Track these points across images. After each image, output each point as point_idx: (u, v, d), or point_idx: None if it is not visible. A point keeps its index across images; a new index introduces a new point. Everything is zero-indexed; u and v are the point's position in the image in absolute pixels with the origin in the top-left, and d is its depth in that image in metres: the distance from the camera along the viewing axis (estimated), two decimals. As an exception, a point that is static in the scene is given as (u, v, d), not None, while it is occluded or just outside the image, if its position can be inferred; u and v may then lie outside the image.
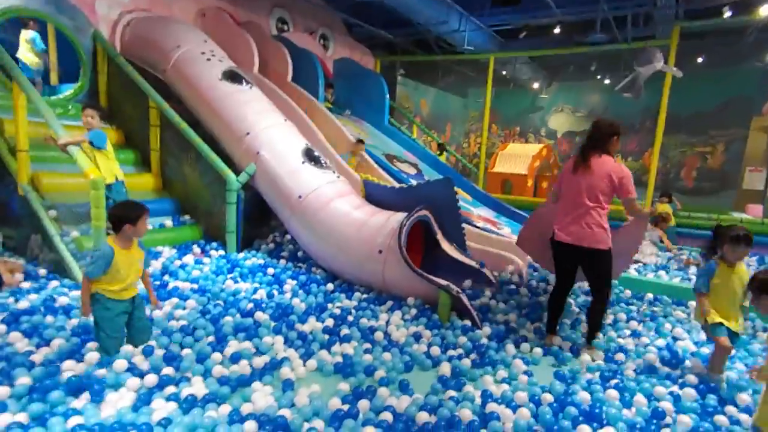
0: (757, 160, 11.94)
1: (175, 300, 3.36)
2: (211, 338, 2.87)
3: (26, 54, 6.07)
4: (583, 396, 2.46)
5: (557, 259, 3.23)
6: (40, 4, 5.29)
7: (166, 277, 3.83)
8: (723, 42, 9.73)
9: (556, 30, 8.22)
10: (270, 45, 7.04)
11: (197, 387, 2.32)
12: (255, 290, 3.83)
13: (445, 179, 4.18)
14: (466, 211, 5.82)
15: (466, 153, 16.17)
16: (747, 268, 2.74)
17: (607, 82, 13.40)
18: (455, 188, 4.21)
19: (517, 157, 10.81)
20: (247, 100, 5.10)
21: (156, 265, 3.97)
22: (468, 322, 3.40)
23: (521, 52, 10.37)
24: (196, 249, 4.53)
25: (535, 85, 14.36)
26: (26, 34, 6.05)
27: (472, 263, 4.10)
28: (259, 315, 3.30)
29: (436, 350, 3.03)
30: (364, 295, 3.95)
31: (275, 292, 3.83)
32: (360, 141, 6.13)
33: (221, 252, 4.58)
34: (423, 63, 11.64)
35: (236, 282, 3.98)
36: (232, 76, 5.28)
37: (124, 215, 2.50)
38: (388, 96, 8.31)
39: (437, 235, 4.10)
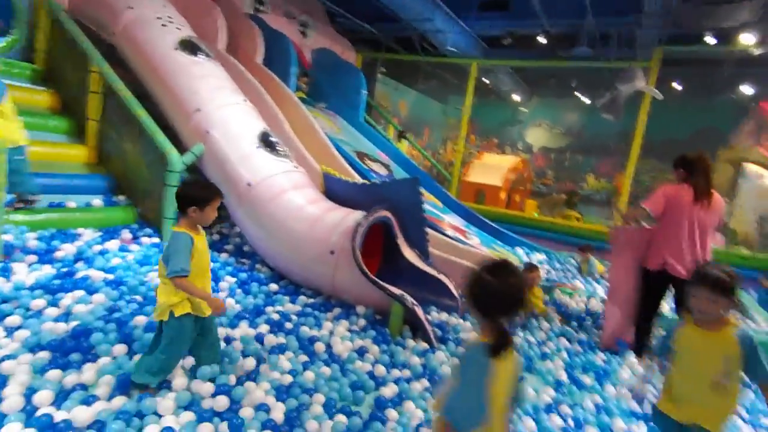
0: (722, 190, 12.21)
1: (79, 293, 2.82)
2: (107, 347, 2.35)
3: None
4: None
5: (658, 286, 3.31)
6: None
7: (79, 264, 3.26)
8: (701, 71, 9.86)
9: (541, 39, 8.04)
10: (242, 23, 6.55)
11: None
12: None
13: (411, 179, 3.83)
14: (435, 218, 5.49)
15: (441, 160, 15.99)
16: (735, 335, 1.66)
17: (586, 100, 13.50)
18: (422, 190, 3.84)
19: (492, 168, 10.63)
20: (203, 75, 4.60)
21: (70, 249, 3.40)
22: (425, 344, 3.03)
23: (504, 61, 10.20)
24: (126, 234, 3.98)
25: (516, 98, 14.32)
26: None
27: (435, 273, 3.74)
28: None
29: (381, 369, 2.65)
30: (310, 300, 3.53)
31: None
32: None
33: (155, 240, 4.04)
34: (405, 63, 11.35)
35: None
36: (189, 47, 4.77)
37: (193, 195, 2.05)
38: (366, 93, 7.93)
39: (398, 239, 3.72)
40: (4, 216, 3.16)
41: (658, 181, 13.52)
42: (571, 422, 2.47)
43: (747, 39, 7.09)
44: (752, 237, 9.46)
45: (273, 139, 4.37)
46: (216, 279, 3.57)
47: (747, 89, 10.52)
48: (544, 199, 11.87)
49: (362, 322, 3.22)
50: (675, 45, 7.62)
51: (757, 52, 7.35)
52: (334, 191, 4.20)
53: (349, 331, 3.09)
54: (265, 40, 6.55)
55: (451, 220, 5.78)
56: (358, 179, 4.79)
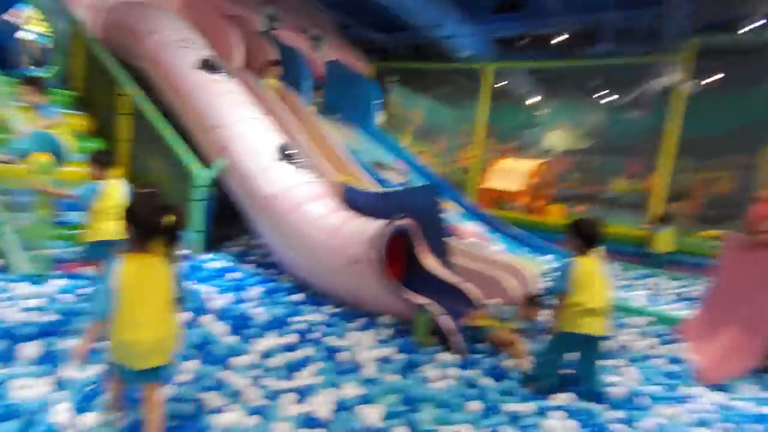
0: (769, 189, 11.55)
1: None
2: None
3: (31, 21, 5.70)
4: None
5: None
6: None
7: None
8: (741, 62, 9.32)
9: (562, 38, 7.89)
10: (257, 40, 6.72)
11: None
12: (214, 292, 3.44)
13: (429, 186, 3.84)
14: (454, 225, 5.45)
15: (457, 166, 15.79)
16: None
17: (608, 99, 12.98)
18: (440, 198, 3.83)
19: (511, 173, 10.50)
20: (222, 92, 4.73)
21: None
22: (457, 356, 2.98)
23: (522, 63, 10.04)
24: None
25: (533, 100, 14.09)
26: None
27: (455, 281, 3.69)
28: (217, 327, 2.91)
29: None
30: (335, 310, 3.54)
31: (234, 298, 3.43)
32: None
33: (185, 252, 4.14)
34: (417, 71, 11.36)
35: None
36: (208, 66, 4.92)
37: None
38: (379, 102, 8.01)
39: (419, 247, 3.71)
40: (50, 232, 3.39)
41: (694, 180, 12.86)
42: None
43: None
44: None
45: (292, 151, 4.44)
46: (242, 288, 3.64)
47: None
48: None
49: (388, 331, 3.21)
50: (709, 34, 7.10)
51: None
52: (354, 201, 4.23)
53: (375, 341, 3.08)
54: (280, 57, 6.71)
55: (471, 227, 5.73)
56: (376, 188, 4.81)
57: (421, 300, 3.16)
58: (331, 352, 2.88)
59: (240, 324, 3.05)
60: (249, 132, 4.40)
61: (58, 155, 3.72)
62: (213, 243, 4.46)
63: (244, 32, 6.32)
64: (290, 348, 2.86)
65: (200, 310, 3.11)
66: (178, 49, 5.06)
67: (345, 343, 3.02)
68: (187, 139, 4.53)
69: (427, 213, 3.69)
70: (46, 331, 2.58)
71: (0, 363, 2.26)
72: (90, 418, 1.92)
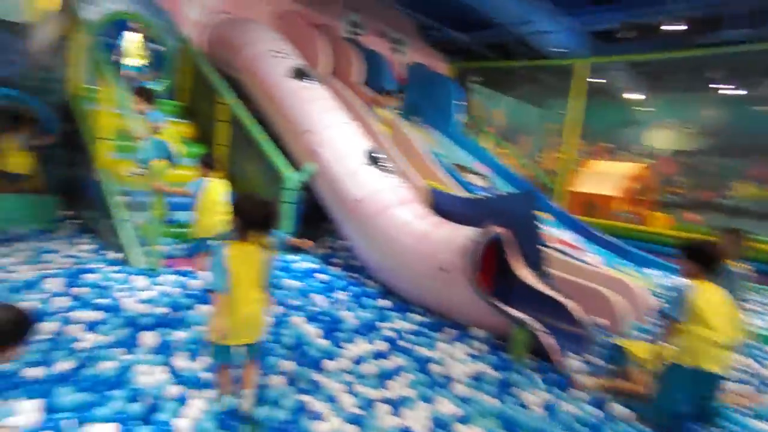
0: None
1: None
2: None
3: (131, 53, 6.39)
4: None
5: None
6: (140, 9, 5.64)
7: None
8: None
9: (669, 27, 7.04)
10: (342, 47, 6.87)
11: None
12: (304, 293, 3.52)
13: (526, 193, 3.60)
14: (545, 233, 5.07)
15: (542, 169, 14.92)
16: None
17: (729, 92, 11.16)
18: (537, 206, 3.55)
19: (607, 176, 9.63)
20: (312, 98, 4.87)
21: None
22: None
23: (623, 57, 9.10)
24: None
25: (632, 96, 12.76)
26: (132, 35, 6.37)
27: (555, 295, 3.38)
28: (309, 329, 2.96)
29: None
30: (423, 319, 3.43)
31: (326, 302, 3.46)
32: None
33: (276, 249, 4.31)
34: (501, 70, 10.87)
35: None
36: (298, 73, 5.10)
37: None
38: (460, 104, 7.79)
39: (513, 257, 3.46)
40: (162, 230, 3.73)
41: None
42: None
43: None
44: None
45: (378, 155, 4.42)
46: (331, 290, 3.69)
47: None
48: None
49: (480, 346, 3.02)
50: None
51: None
52: (442, 206, 4.09)
53: (466, 354, 2.92)
54: (363, 61, 6.80)
55: (562, 235, 5.29)
56: (464, 193, 4.63)
57: (518, 314, 2.93)
58: (423, 363, 2.77)
59: (331, 327, 3.06)
60: (338, 137, 4.47)
61: (170, 159, 4.08)
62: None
63: (329, 39, 6.49)
64: (381, 355, 2.81)
65: (290, 305, 3.18)
66: (272, 59, 5.31)
67: (436, 354, 2.89)
68: (279, 145, 4.73)
69: (522, 222, 3.44)
70: (160, 322, 2.78)
71: (125, 348, 2.47)
72: (202, 402, 2.07)
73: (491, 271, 3.63)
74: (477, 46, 9.62)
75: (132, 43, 6.35)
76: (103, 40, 5.28)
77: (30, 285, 3.06)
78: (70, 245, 4.04)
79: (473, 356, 2.93)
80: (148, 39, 6.22)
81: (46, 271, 3.32)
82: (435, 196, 4.23)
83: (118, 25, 5.95)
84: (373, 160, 4.28)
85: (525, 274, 3.46)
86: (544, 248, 3.59)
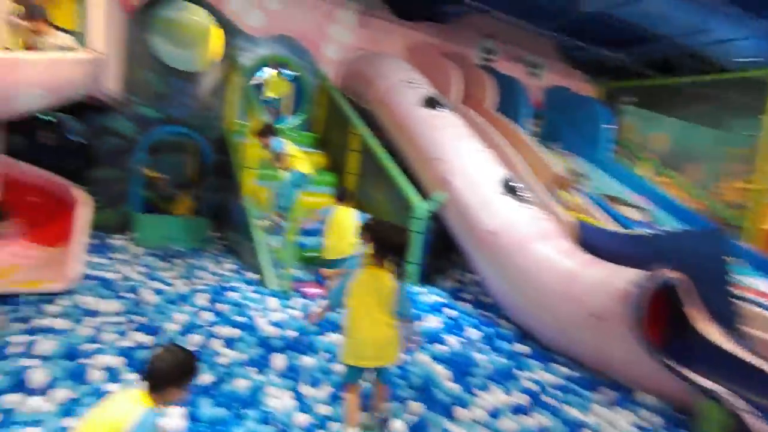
0: None
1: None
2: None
3: (271, 87, 7.14)
4: None
5: None
6: (286, 52, 6.25)
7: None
8: None
9: None
10: (475, 74, 6.73)
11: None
12: (436, 333, 3.25)
13: (712, 231, 2.93)
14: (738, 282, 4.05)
15: (720, 201, 12.36)
16: None
17: None
18: (726, 247, 2.83)
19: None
20: (444, 126, 4.76)
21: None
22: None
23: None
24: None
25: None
26: (271, 71, 7.12)
27: (755, 361, 2.60)
28: (438, 369, 2.71)
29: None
30: (571, 372, 2.91)
31: (455, 341, 3.17)
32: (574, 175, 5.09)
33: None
34: (660, 87, 9.52)
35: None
36: (429, 102, 5.06)
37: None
38: (610, 127, 6.98)
39: (693, 309, 2.78)
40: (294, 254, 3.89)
41: None
42: None
43: None
44: None
45: (516, 184, 4.06)
46: (460, 328, 3.38)
47: None
48: None
49: (650, 415, 2.42)
50: None
51: None
52: (592, 242, 3.54)
53: (633, 425, 2.35)
54: (498, 88, 6.54)
55: (761, 286, 4.17)
56: (618, 228, 3.97)
57: (707, 382, 2.27)
58: (574, 427, 2.31)
59: (462, 370, 2.76)
60: (470, 164, 4.25)
61: (305, 187, 4.31)
62: (427, 276, 4.38)
63: (462, 67, 6.40)
64: (521, 410, 2.43)
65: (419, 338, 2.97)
66: (403, 89, 5.38)
67: (590, 419, 2.41)
68: (409, 174, 4.67)
69: (706, 265, 2.77)
70: (289, 345, 2.79)
71: (257, 368, 2.50)
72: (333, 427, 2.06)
73: (660, 324, 2.96)
74: (631, 63, 8.66)
75: (270, 78, 7.10)
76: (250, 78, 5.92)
77: (183, 298, 3.36)
78: (216, 264, 4.41)
79: (642, 429, 2.36)
80: (288, 75, 6.87)
81: (196, 286, 3.64)
82: (583, 230, 3.69)
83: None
84: (510, 190, 3.93)
85: (711, 331, 2.75)
86: (737, 300, 2.83)
